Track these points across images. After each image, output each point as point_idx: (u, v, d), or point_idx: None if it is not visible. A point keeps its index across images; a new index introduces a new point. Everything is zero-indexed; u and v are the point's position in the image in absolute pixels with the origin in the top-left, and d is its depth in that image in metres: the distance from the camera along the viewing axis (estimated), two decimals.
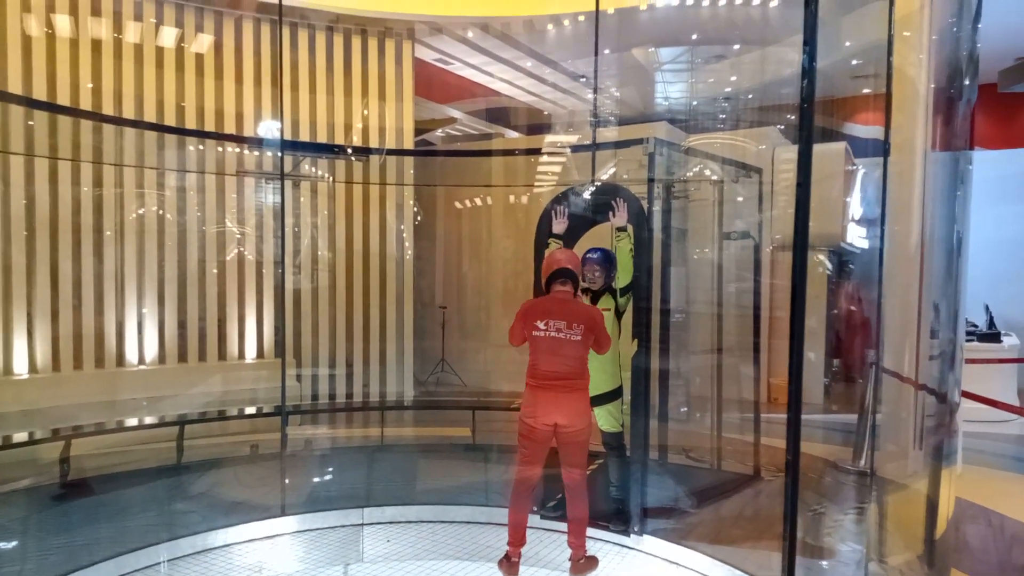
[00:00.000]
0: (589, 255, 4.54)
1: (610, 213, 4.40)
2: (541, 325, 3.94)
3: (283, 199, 7.19)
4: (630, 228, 4.41)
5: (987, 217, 9.10)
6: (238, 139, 7.25)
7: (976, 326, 8.46)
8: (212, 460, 6.01)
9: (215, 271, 7.31)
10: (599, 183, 4.89)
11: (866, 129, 9.32)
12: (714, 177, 5.80)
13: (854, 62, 7.82)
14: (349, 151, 7.51)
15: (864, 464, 5.64)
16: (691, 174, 5.76)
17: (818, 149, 7.20)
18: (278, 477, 4.99)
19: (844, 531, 4.63)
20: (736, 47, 8.53)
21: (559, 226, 4.54)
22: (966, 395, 5.12)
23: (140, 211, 6.88)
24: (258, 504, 4.95)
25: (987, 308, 8.55)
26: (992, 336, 8.19)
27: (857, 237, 7.62)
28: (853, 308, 8.58)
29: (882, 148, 8.25)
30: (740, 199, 5.94)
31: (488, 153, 9.37)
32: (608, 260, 4.53)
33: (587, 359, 3.99)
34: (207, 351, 7.31)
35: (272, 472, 5.18)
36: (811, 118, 3.00)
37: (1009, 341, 8.14)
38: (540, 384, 3.95)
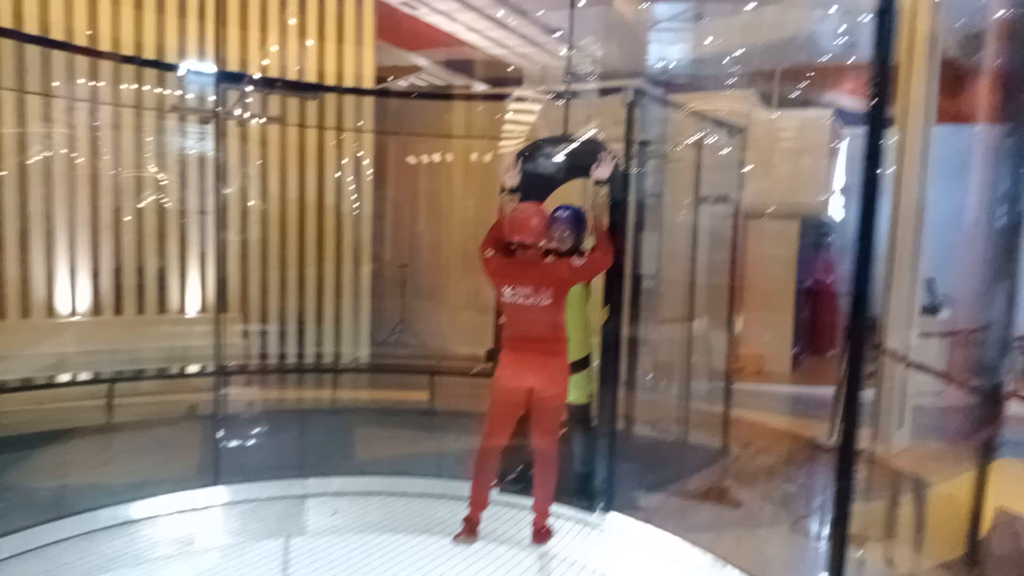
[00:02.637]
0: (557, 213, 4.17)
1: (594, 165, 3.99)
2: (507, 292, 3.65)
3: (217, 140, 6.57)
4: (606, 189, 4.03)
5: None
6: (169, 67, 6.56)
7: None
8: (144, 421, 5.57)
9: (155, 218, 6.76)
10: (572, 136, 4.49)
11: (852, 99, 9.06)
12: (694, 137, 5.46)
13: (843, 26, 7.52)
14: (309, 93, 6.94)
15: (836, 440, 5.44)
16: (670, 133, 5.41)
17: (802, 115, 6.92)
18: (213, 441, 4.58)
19: (822, 510, 4.42)
20: (718, 7, 8.15)
21: (512, 179, 4.08)
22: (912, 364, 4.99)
23: (71, 150, 6.28)
24: (190, 472, 4.56)
25: (931, 282, 8.40)
26: (932, 310, 8.07)
27: (838, 208, 7.39)
28: (829, 280, 8.42)
29: (868, 119, 8.04)
30: (721, 158, 5.63)
31: (451, 97, 8.83)
32: (578, 220, 4.17)
33: (563, 322, 3.68)
34: (146, 303, 6.79)
35: (208, 437, 4.76)
36: (883, 99, 2.69)
37: (944, 314, 8.00)
38: (513, 347, 3.73)
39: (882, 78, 2.66)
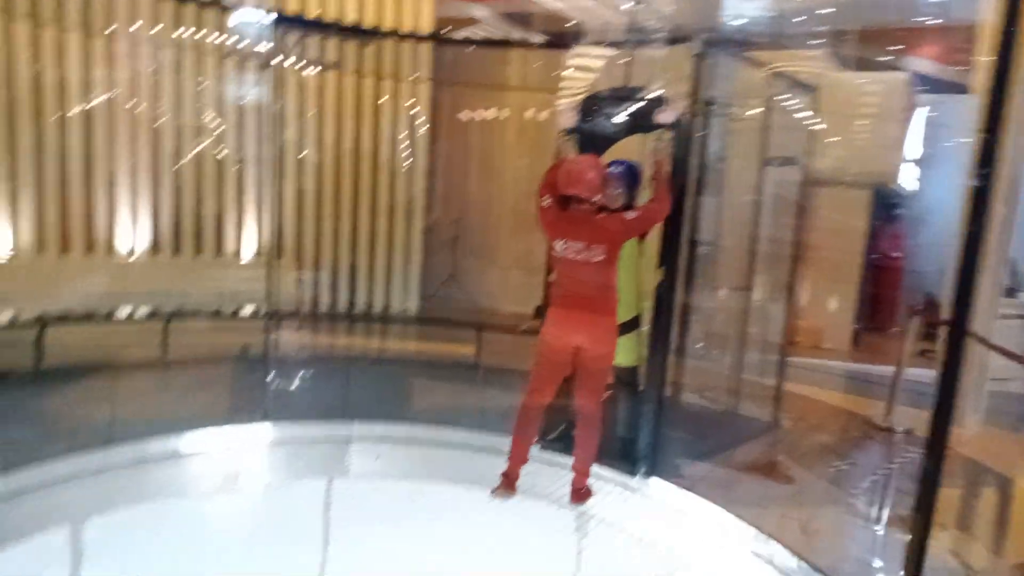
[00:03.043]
0: (611, 169, 4.02)
1: (658, 110, 3.81)
2: (559, 246, 3.54)
3: (274, 87, 6.54)
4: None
5: None
6: (227, 9, 6.50)
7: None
8: (197, 359, 5.70)
9: (213, 164, 6.82)
10: (636, 88, 4.28)
11: (930, 64, 8.52)
12: (764, 95, 5.17)
13: None
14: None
15: (893, 420, 5.22)
16: (739, 89, 5.13)
17: (879, 77, 6.51)
18: (263, 382, 4.66)
19: (873, 491, 4.25)
20: None
21: (569, 119, 3.94)
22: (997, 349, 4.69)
23: (133, 93, 6.35)
24: (239, 408, 4.65)
25: (1013, 262, 7.90)
26: (1010, 292, 7.59)
27: (911, 178, 6.99)
28: (897, 255, 8.02)
29: (948, 87, 7.52)
30: (790, 120, 5.32)
31: (510, 44, 8.54)
32: (633, 176, 4.00)
33: (614, 281, 3.56)
34: (203, 246, 6.91)
35: (258, 378, 4.84)
36: (1006, 70, 2.45)
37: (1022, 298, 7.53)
38: (562, 303, 3.64)
39: (1007, 46, 2.40)
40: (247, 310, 6.45)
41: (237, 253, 7.05)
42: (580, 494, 3.89)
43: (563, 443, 4.34)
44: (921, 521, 2.39)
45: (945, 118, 7.16)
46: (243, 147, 6.92)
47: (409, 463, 4.38)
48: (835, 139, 6.35)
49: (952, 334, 2.49)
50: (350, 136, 7.30)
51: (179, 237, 6.77)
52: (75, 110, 6.05)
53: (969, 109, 5.43)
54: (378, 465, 4.32)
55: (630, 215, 3.57)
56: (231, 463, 4.20)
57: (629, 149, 4.44)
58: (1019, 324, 5.85)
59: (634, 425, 4.25)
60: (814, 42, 6.99)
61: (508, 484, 3.85)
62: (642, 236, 4.10)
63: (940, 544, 3.35)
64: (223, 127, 6.80)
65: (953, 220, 5.27)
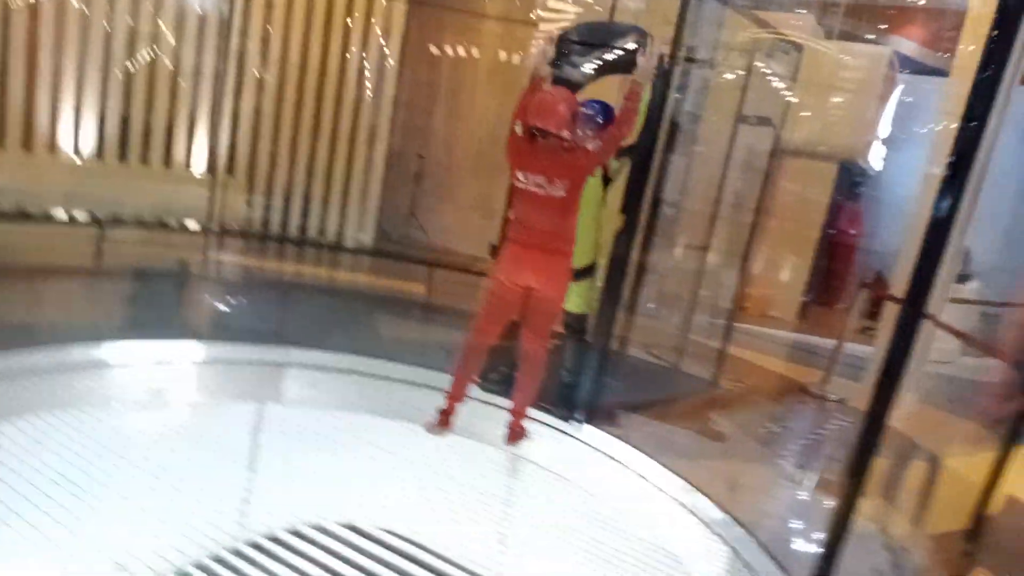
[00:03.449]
0: (584, 109, 3.87)
1: (639, 52, 3.65)
2: (521, 177, 3.40)
3: None
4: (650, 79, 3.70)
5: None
6: None
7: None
8: (134, 270, 5.47)
9: (169, 74, 6.46)
10: (614, 26, 4.14)
11: (912, 45, 8.50)
12: (748, 52, 5.06)
13: None
14: None
15: (828, 389, 5.33)
16: (722, 41, 5.01)
17: (859, 49, 6.44)
18: (200, 299, 4.49)
19: (800, 455, 4.33)
20: None
21: (541, 62, 3.72)
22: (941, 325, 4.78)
23: None
24: (172, 323, 4.48)
25: (967, 251, 8.08)
26: (962, 278, 7.77)
27: (877, 158, 7.00)
28: (854, 232, 8.10)
29: (928, 70, 7.50)
30: (770, 80, 5.24)
31: None
32: (607, 118, 3.88)
33: (573, 221, 3.46)
34: (151, 155, 6.59)
35: (196, 294, 4.67)
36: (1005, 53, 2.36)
37: (973, 285, 7.73)
38: (517, 239, 3.52)
39: (1006, 35, 2.32)
40: (193, 224, 6.20)
41: (187, 167, 6.76)
42: (516, 434, 3.86)
43: (504, 385, 4.30)
44: (851, 486, 2.41)
45: (920, 101, 7.17)
46: (202, 59, 6.57)
47: (346, 394, 4.30)
48: (810, 109, 6.30)
49: (907, 310, 2.47)
50: (316, 55, 6.98)
51: (126, 144, 6.45)
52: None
53: (945, 94, 5.44)
54: (314, 393, 4.23)
55: (592, 145, 3.43)
56: (158, 379, 4.06)
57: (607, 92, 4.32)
58: (967, 310, 5.98)
59: (577, 372, 4.23)
60: (802, 7, 6.90)
61: (444, 421, 3.81)
62: (607, 182, 4.01)
63: (862, 511, 3.42)
64: (181, 36, 6.44)
65: (911, 203, 5.31)
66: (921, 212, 5.05)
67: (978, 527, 3.13)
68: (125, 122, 6.40)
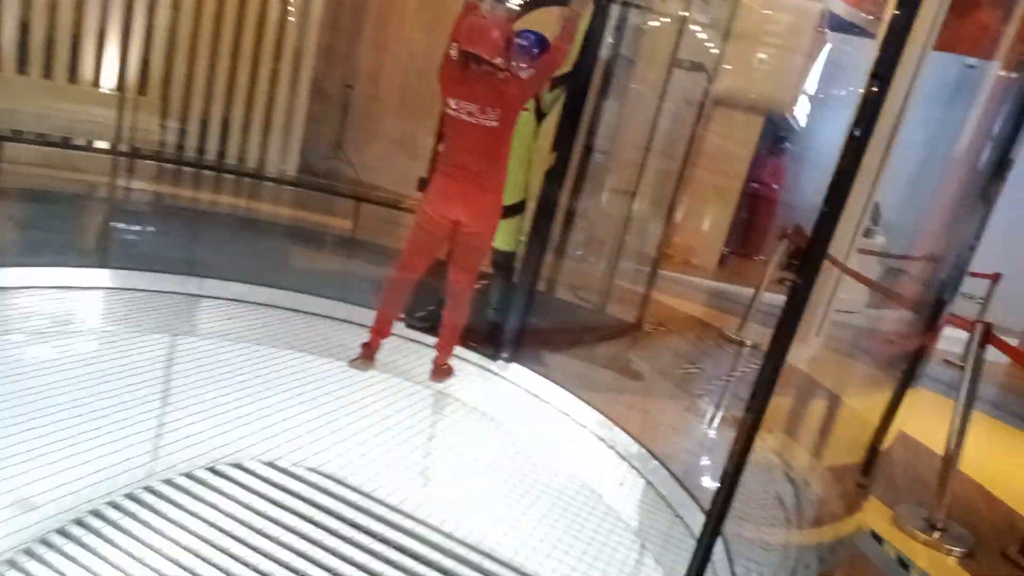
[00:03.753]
0: (519, 40, 3.78)
1: None
2: (452, 103, 3.29)
3: None
4: (589, 8, 3.63)
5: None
6: None
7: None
8: (34, 192, 5.10)
9: None
10: None
11: (844, 7, 8.64)
12: None
13: None
14: None
15: (744, 335, 5.55)
16: None
17: (789, 3, 6.51)
18: (107, 225, 4.23)
19: (714, 395, 4.51)
20: None
21: None
22: (848, 271, 5.04)
23: None
24: (78, 249, 4.22)
25: (876, 205, 8.49)
26: (867, 232, 8.18)
27: (803, 113, 7.18)
28: (775, 186, 8.33)
29: (854, 29, 7.66)
30: (704, 26, 5.24)
31: None
32: (542, 50, 3.80)
33: (505, 154, 3.39)
34: (54, 68, 6.09)
35: (105, 219, 4.40)
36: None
37: (879, 239, 8.17)
38: (447, 172, 3.42)
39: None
40: (101, 144, 5.79)
41: (95, 83, 6.28)
42: (441, 371, 3.84)
43: (429, 323, 4.28)
44: (751, 420, 2.51)
45: (846, 60, 7.35)
46: None
47: (265, 328, 4.18)
48: (740, 60, 6.36)
49: (811, 249, 2.55)
50: None
51: (26, 54, 5.92)
52: None
53: (869, 56, 5.57)
54: (230, 326, 4.09)
55: (525, 73, 3.36)
56: (62, 307, 3.83)
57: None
58: (873, 260, 6.29)
59: (503, 311, 4.24)
60: None
61: (368, 355, 3.73)
62: (540, 117, 3.95)
63: (766, 444, 3.61)
64: None
65: (831, 160, 5.49)
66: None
67: (871, 460, 3.35)
68: (24, 28, 5.87)
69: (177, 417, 3.08)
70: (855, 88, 6.10)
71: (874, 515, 3.15)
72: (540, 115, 3.90)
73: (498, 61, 3.19)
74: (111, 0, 6.10)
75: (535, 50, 3.73)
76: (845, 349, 5.55)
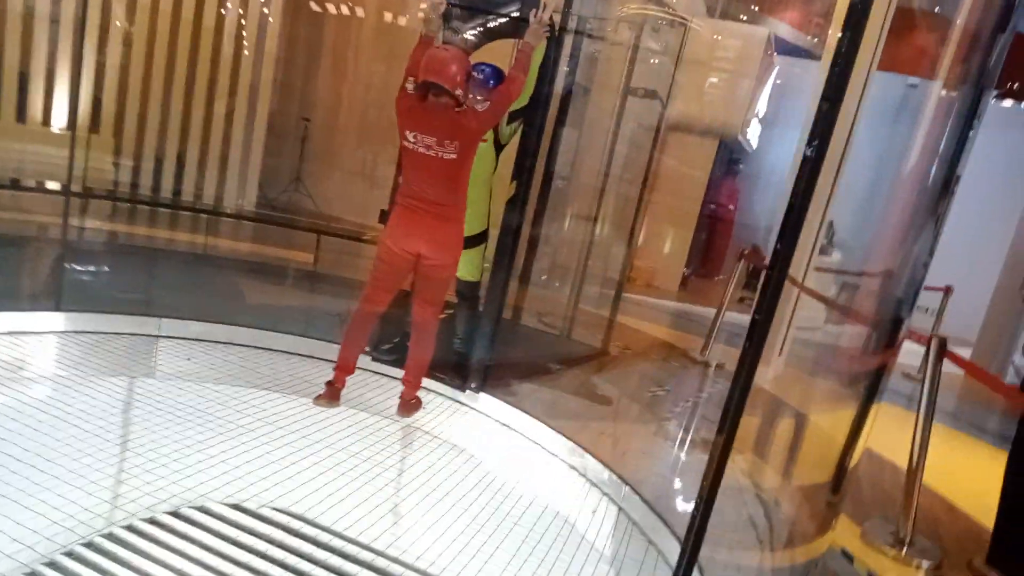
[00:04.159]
0: (475, 73, 3.82)
1: (532, 13, 3.62)
2: (410, 137, 3.31)
3: None
4: (543, 41, 3.68)
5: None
6: None
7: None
8: None
9: (25, 18, 5.83)
10: None
11: (790, 30, 8.93)
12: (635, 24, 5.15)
13: None
14: None
15: (709, 356, 5.61)
16: (611, 12, 5.07)
17: (739, 29, 6.73)
18: (60, 266, 4.11)
19: (682, 417, 4.55)
20: None
21: (431, 23, 3.66)
22: (806, 291, 5.15)
23: None
24: (30, 293, 4.09)
25: (831, 224, 8.72)
26: (823, 250, 8.38)
27: (754, 135, 7.37)
28: (731, 207, 8.51)
29: (800, 52, 7.93)
30: (657, 54, 5.37)
31: None
32: (498, 82, 3.84)
33: (464, 185, 3.40)
34: (3, 108, 5.95)
35: (57, 261, 4.28)
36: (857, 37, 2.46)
37: (835, 256, 8.36)
38: (407, 204, 3.42)
39: (859, 20, 2.44)
40: (53, 185, 5.66)
41: (46, 122, 6.16)
42: (408, 406, 3.82)
43: (395, 355, 4.25)
44: (723, 443, 2.53)
45: (793, 82, 7.59)
46: (61, 5, 5.96)
47: (226, 367, 4.09)
48: (692, 86, 6.52)
49: (772, 273, 2.60)
50: (190, 6, 6.50)
51: None
52: None
53: (815, 78, 5.75)
54: (190, 367, 4.00)
55: (482, 107, 3.39)
56: (15, 351, 3.70)
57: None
58: (829, 278, 6.41)
59: (469, 341, 4.23)
60: None
61: (332, 394, 3.68)
62: (499, 148, 3.99)
63: (736, 466, 3.63)
64: None
65: (785, 181, 5.64)
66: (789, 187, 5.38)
67: (840, 478, 3.40)
68: None
69: (137, 462, 2.98)
70: (802, 109, 6.29)
71: (844, 532, 3.19)
72: (499, 146, 3.93)
73: (457, 92, 3.22)
74: (60, 39, 6.01)
75: (491, 82, 3.77)
76: (807, 367, 5.65)
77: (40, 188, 5.27)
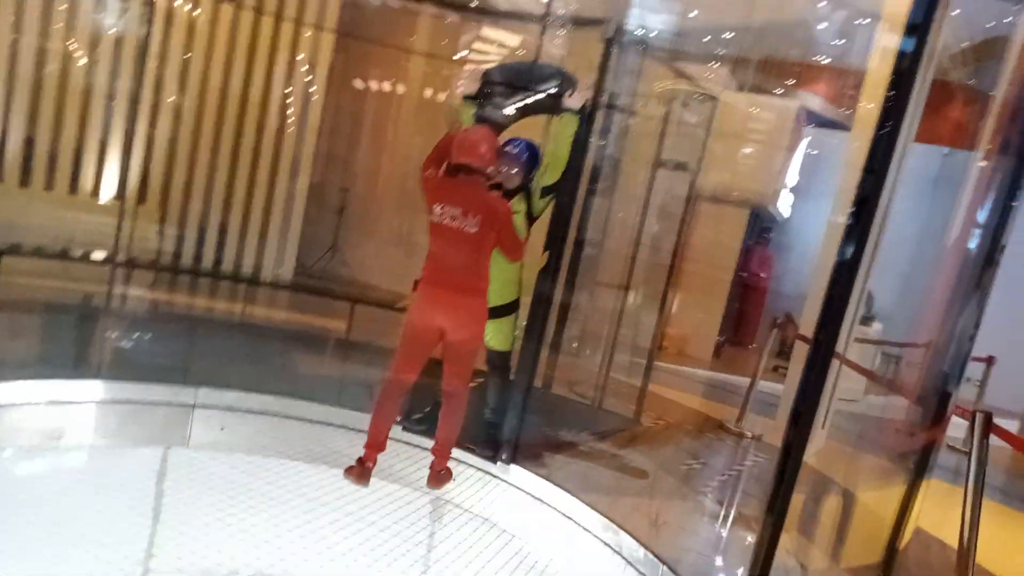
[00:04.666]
0: (509, 148, 3.94)
1: (568, 92, 3.76)
2: (437, 209, 3.40)
3: (152, 21, 5.98)
4: (575, 117, 3.79)
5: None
6: None
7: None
8: (33, 302, 5.11)
9: (79, 97, 6.17)
10: (543, 65, 4.22)
11: (820, 101, 9.04)
12: (665, 99, 5.26)
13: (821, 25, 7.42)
14: None
15: (744, 426, 5.48)
16: (641, 88, 5.20)
17: (770, 102, 6.82)
18: (102, 335, 4.22)
19: (720, 491, 4.41)
20: None
21: (470, 85, 3.86)
22: (849, 364, 5.03)
23: None
24: (72, 361, 4.19)
25: (870, 294, 8.62)
26: (866, 320, 8.27)
27: (786, 205, 7.38)
28: (764, 275, 8.45)
29: (830, 123, 8.01)
30: (685, 128, 5.46)
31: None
32: (532, 156, 3.94)
33: (487, 259, 3.45)
34: (56, 180, 6.23)
35: (98, 329, 4.40)
36: (899, 119, 2.54)
37: (876, 326, 8.23)
38: (431, 279, 3.48)
39: (902, 94, 2.51)
40: (98, 256, 5.86)
41: (95, 193, 6.42)
42: (439, 477, 3.76)
43: (426, 424, 4.22)
44: (772, 522, 2.45)
45: (825, 153, 7.64)
46: (116, 82, 6.30)
47: (259, 436, 4.10)
48: (724, 157, 6.59)
49: (817, 347, 2.57)
50: (238, 83, 6.81)
51: (29, 167, 6.08)
52: None
53: (846, 148, 5.79)
54: (223, 436, 4.02)
55: (507, 215, 3.47)
56: (55, 420, 3.77)
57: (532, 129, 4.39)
58: (870, 350, 6.30)
59: (501, 411, 4.19)
60: (716, 61, 7.24)
61: (363, 474, 3.55)
62: (531, 220, 4.05)
63: (781, 546, 3.49)
64: (95, 58, 6.17)
65: (817, 249, 5.61)
66: (826, 256, 5.35)
67: (890, 559, 3.24)
68: (29, 144, 6.05)
69: (169, 535, 2.98)
70: (832, 179, 6.31)
71: None
72: (531, 218, 3.99)
73: (489, 170, 3.33)
74: (113, 113, 6.32)
75: (524, 156, 3.87)
76: (850, 439, 5.48)
77: (87, 259, 5.46)
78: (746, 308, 8.61)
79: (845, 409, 5.51)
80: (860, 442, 5.44)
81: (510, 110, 4.20)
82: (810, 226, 7.05)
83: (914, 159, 5.19)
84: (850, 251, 2.65)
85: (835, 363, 4.90)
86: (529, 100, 4.04)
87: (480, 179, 3.38)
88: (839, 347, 4.91)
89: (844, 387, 5.52)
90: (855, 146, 5.47)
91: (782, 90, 7.47)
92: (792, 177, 7.43)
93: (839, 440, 5.37)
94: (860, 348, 6.12)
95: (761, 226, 8.48)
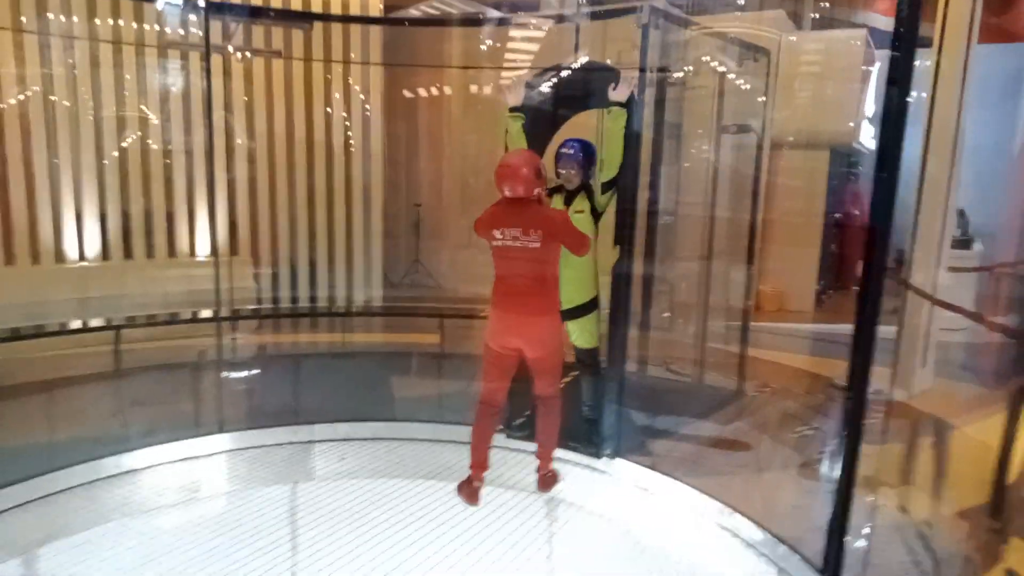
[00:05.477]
0: (565, 149, 3.94)
1: (611, 86, 3.74)
2: (498, 234, 3.45)
3: (217, 77, 6.25)
4: (624, 111, 3.75)
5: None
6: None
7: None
8: (153, 367, 5.56)
9: (160, 160, 6.61)
10: (584, 62, 4.19)
11: (886, 20, 8.48)
12: (716, 66, 5.08)
13: None
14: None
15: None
16: (690, 58, 5.06)
17: (833, 36, 6.47)
18: (219, 388, 4.55)
19: (836, 456, 4.27)
20: None
21: (514, 96, 3.88)
22: (940, 303, 4.72)
23: (65, 90, 6.10)
24: (196, 418, 4.55)
25: (962, 213, 8.00)
26: (964, 243, 7.69)
27: (869, 137, 6.99)
28: (856, 213, 8.05)
29: (896, 37, 7.49)
30: (744, 87, 5.26)
31: (446, 23, 8.25)
32: (588, 155, 3.93)
33: (554, 270, 3.48)
34: (155, 247, 6.72)
35: (215, 383, 4.74)
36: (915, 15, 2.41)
37: (976, 248, 7.65)
38: (501, 304, 3.54)
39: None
40: (204, 312, 6.31)
41: (191, 252, 6.88)
42: (546, 480, 3.86)
43: (528, 430, 4.32)
44: (844, 476, 2.40)
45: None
46: (190, 142, 6.71)
47: (375, 461, 4.33)
48: (791, 102, 6.32)
49: (867, 279, 2.49)
50: (301, 124, 7.11)
51: (128, 239, 6.58)
52: None
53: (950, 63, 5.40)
54: (344, 466, 4.26)
55: (564, 220, 3.48)
56: (189, 475, 4.11)
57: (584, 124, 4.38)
58: (972, 277, 5.88)
59: (597, 406, 4.23)
60: (767, 3, 6.92)
61: (472, 493, 3.70)
62: (596, 216, 4.04)
63: (889, 497, 3.36)
64: (167, 121, 6.58)
65: (911, 174, 5.28)
66: (912, 182, 5.04)
67: (1000, 499, 3.06)
68: (126, 216, 6.54)
69: (308, 562, 3.21)
70: (917, 98, 5.90)
71: (1020, 555, 2.87)
72: (596, 214, 3.98)
73: (536, 193, 3.36)
74: (193, 170, 6.72)
75: (581, 155, 3.86)
76: (956, 373, 5.14)
77: (195, 319, 5.88)
78: (844, 250, 8.23)
79: (948, 340, 5.13)
80: (964, 373, 5.07)
81: (563, 111, 4.21)
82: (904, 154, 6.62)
83: (983, 63, 4.80)
84: (883, 175, 2.55)
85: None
86: (577, 97, 4.03)
87: (533, 201, 3.41)
88: (924, 278, 4.63)
89: (947, 315, 5.18)
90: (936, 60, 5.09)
91: (844, 17, 7.06)
92: (870, 107, 7.02)
93: (943, 374, 5.03)
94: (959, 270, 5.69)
95: (847, 163, 8.06)
